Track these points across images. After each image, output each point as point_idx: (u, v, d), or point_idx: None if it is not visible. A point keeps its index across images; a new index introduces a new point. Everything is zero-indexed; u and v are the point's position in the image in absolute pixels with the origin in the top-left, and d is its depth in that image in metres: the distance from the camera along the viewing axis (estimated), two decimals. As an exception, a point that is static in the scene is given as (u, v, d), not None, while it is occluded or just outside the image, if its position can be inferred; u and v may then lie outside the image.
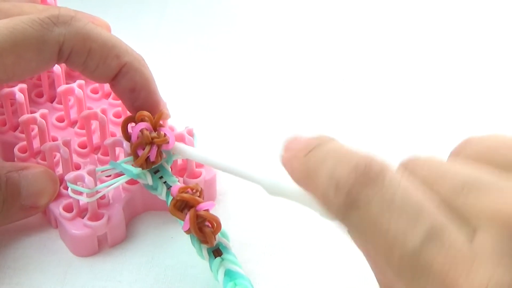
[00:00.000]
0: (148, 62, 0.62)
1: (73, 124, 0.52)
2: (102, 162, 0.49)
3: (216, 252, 0.44)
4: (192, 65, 0.62)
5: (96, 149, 0.50)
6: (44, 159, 0.48)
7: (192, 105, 0.57)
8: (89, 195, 0.45)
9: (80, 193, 0.46)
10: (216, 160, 0.44)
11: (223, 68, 0.61)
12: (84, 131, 0.50)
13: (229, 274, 0.43)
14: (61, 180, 0.48)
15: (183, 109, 0.53)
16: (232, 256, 0.44)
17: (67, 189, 0.46)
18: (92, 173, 0.46)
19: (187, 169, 0.49)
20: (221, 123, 0.56)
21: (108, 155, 0.49)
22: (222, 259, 0.43)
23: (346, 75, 0.61)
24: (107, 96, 0.54)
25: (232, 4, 0.68)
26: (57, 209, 0.47)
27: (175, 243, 0.47)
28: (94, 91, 0.54)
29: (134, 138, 0.46)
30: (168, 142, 0.46)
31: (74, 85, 0.51)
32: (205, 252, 0.44)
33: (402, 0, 0.68)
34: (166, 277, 0.46)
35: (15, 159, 0.49)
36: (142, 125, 0.46)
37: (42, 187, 0.46)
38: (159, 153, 0.46)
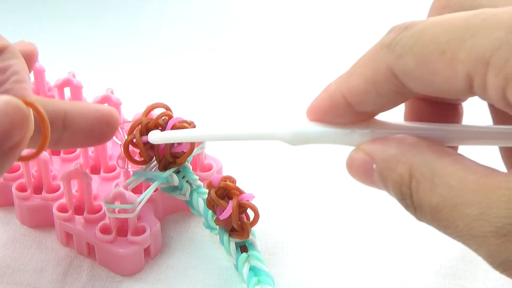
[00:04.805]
0: (148, 62, 0.63)
1: None
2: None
3: (243, 248, 0.44)
4: (192, 65, 0.62)
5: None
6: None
7: (192, 105, 0.57)
8: (131, 211, 0.44)
9: (119, 211, 0.44)
10: (212, 132, 0.40)
11: (223, 68, 0.62)
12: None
13: (254, 270, 0.44)
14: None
15: (183, 108, 0.53)
16: (258, 253, 0.44)
17: (83, 213, 0.46)
18: (126, 188, 0.45)
19: (197, 163, 0.48)
20: (221, 122, 0.56)
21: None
22: (248, 255, 0.44)
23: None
24: None
25: (232, 4, 0.68)
26: (92, 235, 0.45)
27: (175, 243, 0.47)
28: None
29: (169, 127, 0.45)
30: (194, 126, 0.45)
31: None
32: (232, 246, 0.44)
33: (402, 1, 0.68)
34: (166, 277, 0.46)
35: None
36: (177, 119, 0.45)
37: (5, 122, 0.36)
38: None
